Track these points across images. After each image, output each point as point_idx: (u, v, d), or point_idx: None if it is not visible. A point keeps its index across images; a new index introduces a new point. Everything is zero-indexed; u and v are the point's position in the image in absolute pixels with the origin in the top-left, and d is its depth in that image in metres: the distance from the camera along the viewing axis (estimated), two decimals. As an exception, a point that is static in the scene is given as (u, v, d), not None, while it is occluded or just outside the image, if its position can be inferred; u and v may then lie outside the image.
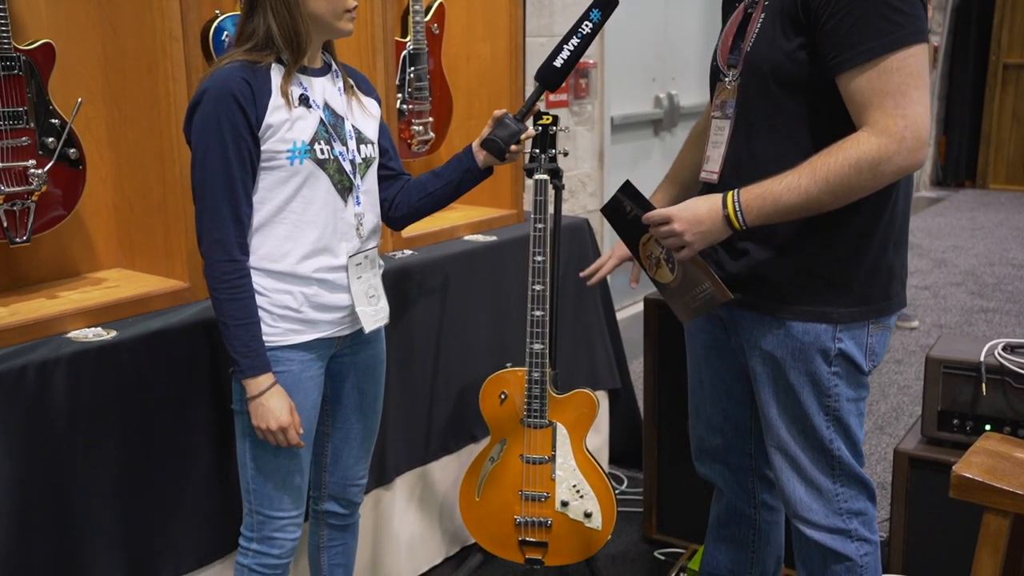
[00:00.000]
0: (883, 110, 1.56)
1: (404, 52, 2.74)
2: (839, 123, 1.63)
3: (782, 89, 1.67)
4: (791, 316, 1.73)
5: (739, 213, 1.62)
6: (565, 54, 1.96)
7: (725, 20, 1.87)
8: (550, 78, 1.97)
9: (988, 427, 2.27)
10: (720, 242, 1.73)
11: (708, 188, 1.79)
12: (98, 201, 2.21)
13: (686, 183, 2.03)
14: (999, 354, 2.27)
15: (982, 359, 2.26)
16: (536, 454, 2.44)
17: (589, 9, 1.95)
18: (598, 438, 3.12)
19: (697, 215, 1.64)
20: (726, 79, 1.79)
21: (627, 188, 1.78)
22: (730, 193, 1.63)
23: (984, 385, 2.25)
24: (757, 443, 1.98)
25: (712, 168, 1.80)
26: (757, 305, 1.76)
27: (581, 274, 2.18)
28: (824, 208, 1.61)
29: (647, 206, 1.74)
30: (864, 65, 1.56)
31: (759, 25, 1.69)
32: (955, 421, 2.32)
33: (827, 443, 1.78)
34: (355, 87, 1.94)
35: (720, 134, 1.79)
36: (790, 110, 1.68)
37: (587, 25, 1.94)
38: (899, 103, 1.55)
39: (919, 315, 5.10)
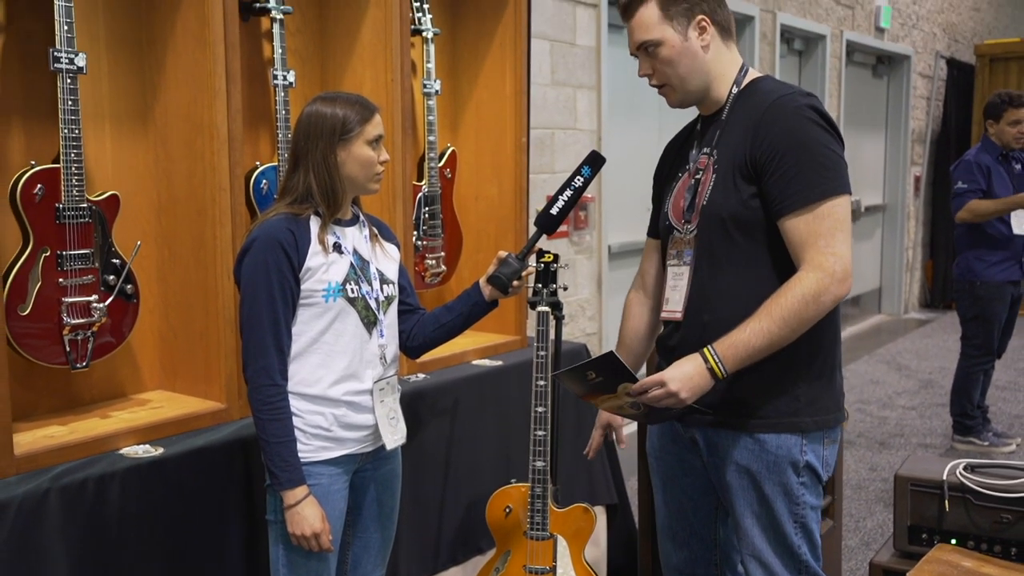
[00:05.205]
0: (816, 248, 1.87)
1: (420, 194, 3.04)
2: (787, 255, 1.92)
3: (739, 231, 1.97)
4: (765, 430, 1.97)
5: (720, 364, 1.88)
6: (560, 204, 2.24)
7: (662, 190, 2.19)
8: (547, 225, 2.25)
9: (953, 541, 2.46)
10: None
11: (671, 324, 2.09)
12: (145, 329, 2.46)
13: (636, 352, 2.31)
14: (960, 473, 2.48)
15: (944, 478, 2.47)
16: (538, 564, 2.62)
17: (581, 166, 2.24)
18: (596, 550, 3.29)
19: (686, 373, 1.89)
20: (680, 233, 2.08)
21: (613, 360, 1.92)
22: (706, 349, 1.89)
23: (947, 502, 2.45)
24: (721, 555, 2.19)
25: (674, 308, 2.08)
26: (733, 424, 2.01)
27: (586, 454, 2.45)
28: (785, 342, 1.89)
29: (631, 377, 1.93)
30: (801, 210, 1.87)
31: (712, 182, 2.00)
32: (923, 535, 2.52)
33: (795, 548, 2.00)
34: (379, 235, 2.22)
35: (679, 279, 2.08)
36: (748, 248, 1.97)
37: (579, 179, 2.23)
38: (829, 242, 1.87)
39: (906, 435, 5.29)
